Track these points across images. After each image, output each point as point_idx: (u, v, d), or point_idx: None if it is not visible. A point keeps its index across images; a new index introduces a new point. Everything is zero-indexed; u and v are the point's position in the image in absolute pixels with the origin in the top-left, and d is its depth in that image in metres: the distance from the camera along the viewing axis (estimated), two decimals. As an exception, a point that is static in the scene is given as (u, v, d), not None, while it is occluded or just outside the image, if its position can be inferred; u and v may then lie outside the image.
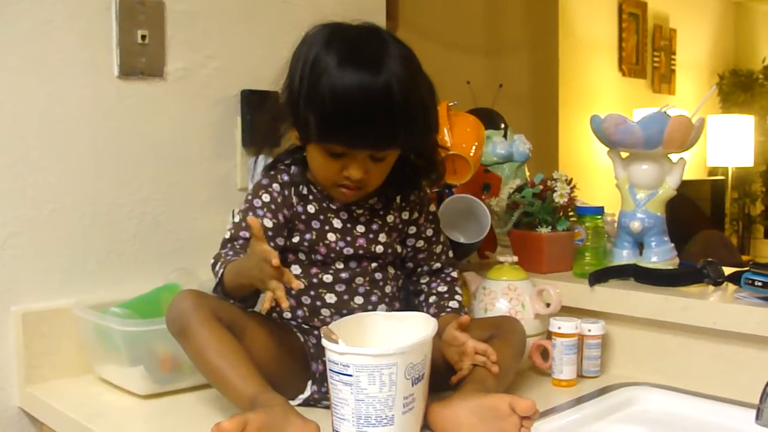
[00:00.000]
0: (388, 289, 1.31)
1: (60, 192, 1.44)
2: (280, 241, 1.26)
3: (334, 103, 1.14)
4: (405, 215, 1.32)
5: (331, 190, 1.25)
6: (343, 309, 1.25)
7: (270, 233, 1.24)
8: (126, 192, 1.51)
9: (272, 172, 1.29)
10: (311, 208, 1.27)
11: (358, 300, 1.28)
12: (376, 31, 1.23)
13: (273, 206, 1.25)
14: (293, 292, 1.27)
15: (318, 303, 1.27)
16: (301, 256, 1.27)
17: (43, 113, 1.41)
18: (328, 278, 1.27)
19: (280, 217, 1.25)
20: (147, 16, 1.51)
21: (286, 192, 1.27)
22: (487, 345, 1.19)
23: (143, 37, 1.50)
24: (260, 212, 1.24)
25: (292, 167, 1.29)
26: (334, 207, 1.27)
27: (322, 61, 1.16)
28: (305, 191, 1.28)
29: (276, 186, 1.27)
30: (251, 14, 1.66)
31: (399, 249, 1.32)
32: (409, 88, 1.17)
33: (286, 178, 1.28)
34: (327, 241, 1.26)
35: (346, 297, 1.27)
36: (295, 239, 1.27)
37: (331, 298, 1.27)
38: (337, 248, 1.26)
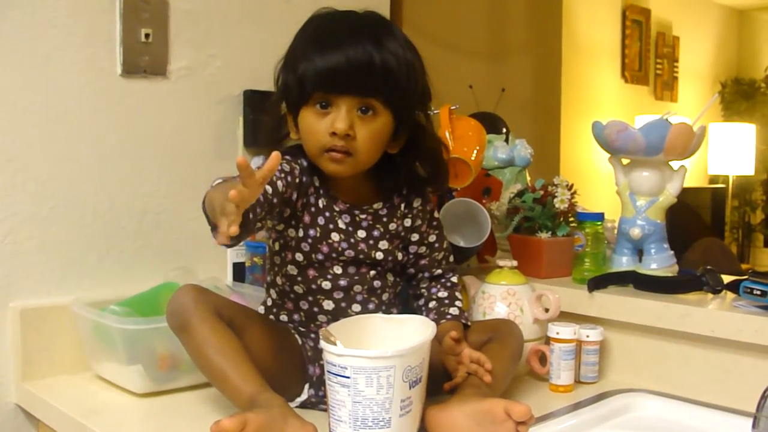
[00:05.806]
0: (385, 297, 1.30)
1: (61, 189, 1.44)
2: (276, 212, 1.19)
3: (318, 41, 1.18)
4: (407, 222, 1.31)
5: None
6: (340, 316, 1.23)
7: (274, 197, 1.14)
8: (127, 190, 1.51)
9: (288, 157, 1.23)
10: (321, 203, 1.25)
11: (356, 308, 1.27)
12: (374, 13, 1.26)
13: (288, 178, 1.18)
14: (292, 296, 1.27)
15: (315, 309, 1.26)
16: (299, 257, 1.24)
17: (45, 110, 1.42)
18: (326, 285, 1.25)
19: (290, 192, 1.20)
20: (151, 14, 1.51)
21: (305, 178, 1.23)
22: (481, 354, 1.19)
23: (146, 35, 1.51)
24: (277, 174, 1.16)
25: (303, 160, 1.25)
26: (337, 209, 1.25)
27: (312, 21, 1.23)
28: (318, 183, 1.25)
29: (297, 165, 1.23)
30: (254, 14, 1.67)
31: (400, 256, 1.31)
32: (395, 41, 1.20)
33: (305, 163, 1.24)
34: (330, 240, 1.24)
35: (343, 305, 1.26)
36: (300, 233, 1.24)
37: (328, 305, 1.26)
38: (339, 248, 1.24)
